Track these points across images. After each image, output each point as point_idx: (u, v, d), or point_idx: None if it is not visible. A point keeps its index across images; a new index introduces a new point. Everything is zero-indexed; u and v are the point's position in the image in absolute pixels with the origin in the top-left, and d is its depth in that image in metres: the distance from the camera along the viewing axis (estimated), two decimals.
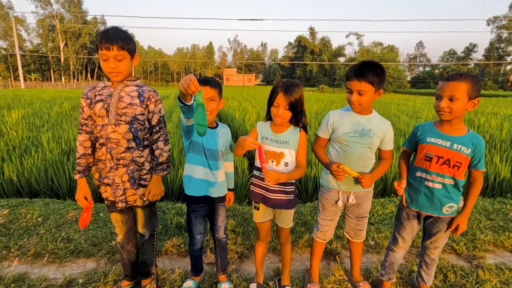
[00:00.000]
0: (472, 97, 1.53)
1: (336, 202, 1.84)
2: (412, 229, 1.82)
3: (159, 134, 1.77)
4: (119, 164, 1.67)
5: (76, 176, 1.71)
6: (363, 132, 1.74)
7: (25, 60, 59.00)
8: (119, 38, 1.54)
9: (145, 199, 1.77)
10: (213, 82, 1.72)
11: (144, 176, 1.75)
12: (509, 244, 2.55)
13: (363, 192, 1.84)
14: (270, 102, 1.70)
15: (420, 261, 1.91)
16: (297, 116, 1.71)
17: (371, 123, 1.75)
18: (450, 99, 1.54)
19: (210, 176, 1.81)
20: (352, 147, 1.74)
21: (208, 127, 1.78)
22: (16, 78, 52.09)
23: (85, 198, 1.74)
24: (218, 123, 1.89)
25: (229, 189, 2.00)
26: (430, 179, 1.67)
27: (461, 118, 1.62)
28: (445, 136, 1.63)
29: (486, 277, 2.10)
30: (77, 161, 1.70)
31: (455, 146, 1.60)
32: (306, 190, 3.91)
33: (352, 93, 1.68)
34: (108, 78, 1.68)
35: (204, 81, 1.70)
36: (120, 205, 1.71)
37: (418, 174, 1.72)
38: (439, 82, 1.66)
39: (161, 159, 1.78)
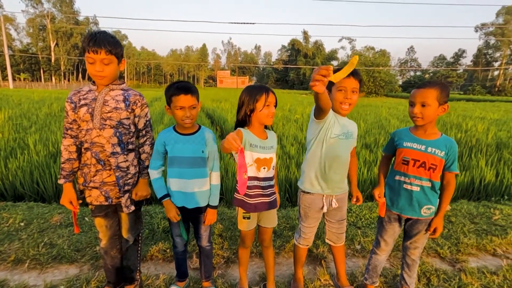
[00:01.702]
0: (441, 102, 1.62)
1: (322, 208, 1.84)
2: (393, 231, 1.86)
3: (145, 138, 1.79)
4: (111, 167, 1.67)
5: (61, 181, 1.69)
6: (347, 134, 1.79)
7: (14, 60, 57.86)
8: (107, 42, 1.54)
9: (130, 201, 1.75)
10: (192, 90, 1.71)
11: (128, 181, 1.74)
12: (491, 248, 2.60)
13: (342, 194, 1.89)
14: (253, 106, 1.66)
15: (402, 263, 1.95)
16: None
17: (350, 125, 1.83)
18: (422, 105, 1.62)
19: (186, 187, 1.77)
20: (339, 149, 1.77)
21: (188, 132, 1.78)
22: (5, 78, 51.02)
23: (71, 202, 1.71)
24: (201, 126, 1.85)
25: (209, 206, 1.86)
26: (408, 182, 1.73)
27: (434, 123, 1.70)
28: (420, 140, 1.70)
29: (468, 281, 2.13)
30: (62, 165, 1.68)
31: (429, 149, 1.67)
32: (295, 193, 3.92)
33: (347, 92, 1.70)
34: (93, 82, 1.67)
35: (186, 90, 1.68)
36: (114, 201, 1.72)
37: (397, 177, 1.78)
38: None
39: (147, 163, 1.80)
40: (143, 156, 1.80)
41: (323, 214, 1.94)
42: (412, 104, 1.67)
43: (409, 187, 1.73)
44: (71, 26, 61.33)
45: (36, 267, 2.19)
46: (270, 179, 1.78)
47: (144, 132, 1.78)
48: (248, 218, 1.80)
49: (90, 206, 1.76)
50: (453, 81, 64.01)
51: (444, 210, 1.75)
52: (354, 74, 1.67)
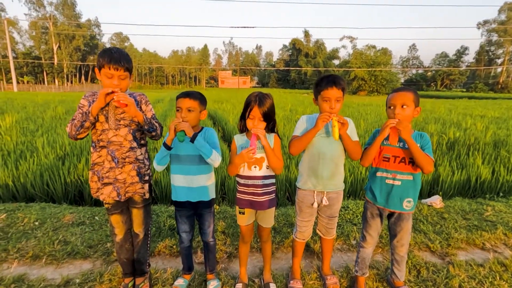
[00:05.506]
0: (416, 105, 1.80)
1: (312, 204, 1.99)
2: (377, 226, 2.01)
3: (154, 121, 1.92)
4: (125, 162, 1.84)
5: (91, 117, 1.69)
6: (331, 132, 1.90)
7: (17, 63, 58.39)
8: (125, 60, 1.73)
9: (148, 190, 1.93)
10: (193, 95, 1.87)
11: (147, 171, 1.95)
12: (480, 242, 2.73)
13: (334, 192, 2.01)
14: (245, 115, 1.86)
15: (392, 259, 2.09)
16: (270, 125, 1.91)
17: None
18: (402, 106, 1.77)
19: (190, 182, 1.92)
20: (323, 147, 1.91)
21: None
22: (9, 81, 51.53)
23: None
24: (204, 127, 1.99)
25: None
26: (390, 177, 1.88)
27: (410, 122, 1.84)
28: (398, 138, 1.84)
29: (455, 273, 2.27)
30: (82, 119, 1.69)
31: (407, 145, 1.80)
32: (294, 192, 4.06)
33: (331, 101, 1.83)
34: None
35: (186, 94, 1.87)
36: (123, 198, 1.87)
37: (379, 174, 1.92)
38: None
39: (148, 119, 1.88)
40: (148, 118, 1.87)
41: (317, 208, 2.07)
42: (392, 106, 1.81)
43: (391, 181, 1.87)
44: (73, 29, 61.81)
45: (52, 263, 2.35)
46: (264, 178, 1.90)
47: (153, 121, 1.92)
48: (243, 213, 1.97)
49: (106, 205, 1.92)
50: (455, 78, 63.78)
51: (412, 145, 1.74)
52: (336, 83, 1.80)
